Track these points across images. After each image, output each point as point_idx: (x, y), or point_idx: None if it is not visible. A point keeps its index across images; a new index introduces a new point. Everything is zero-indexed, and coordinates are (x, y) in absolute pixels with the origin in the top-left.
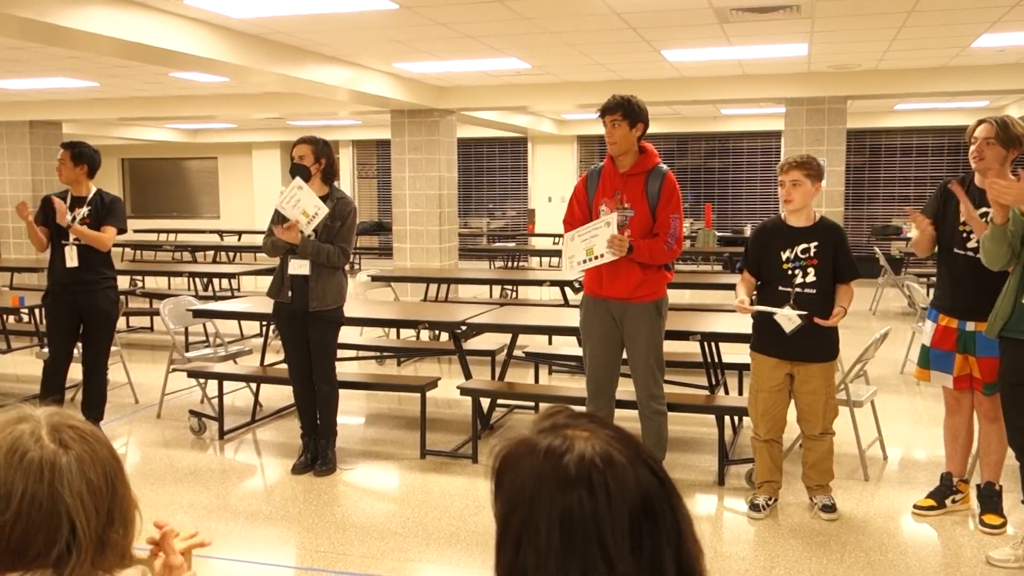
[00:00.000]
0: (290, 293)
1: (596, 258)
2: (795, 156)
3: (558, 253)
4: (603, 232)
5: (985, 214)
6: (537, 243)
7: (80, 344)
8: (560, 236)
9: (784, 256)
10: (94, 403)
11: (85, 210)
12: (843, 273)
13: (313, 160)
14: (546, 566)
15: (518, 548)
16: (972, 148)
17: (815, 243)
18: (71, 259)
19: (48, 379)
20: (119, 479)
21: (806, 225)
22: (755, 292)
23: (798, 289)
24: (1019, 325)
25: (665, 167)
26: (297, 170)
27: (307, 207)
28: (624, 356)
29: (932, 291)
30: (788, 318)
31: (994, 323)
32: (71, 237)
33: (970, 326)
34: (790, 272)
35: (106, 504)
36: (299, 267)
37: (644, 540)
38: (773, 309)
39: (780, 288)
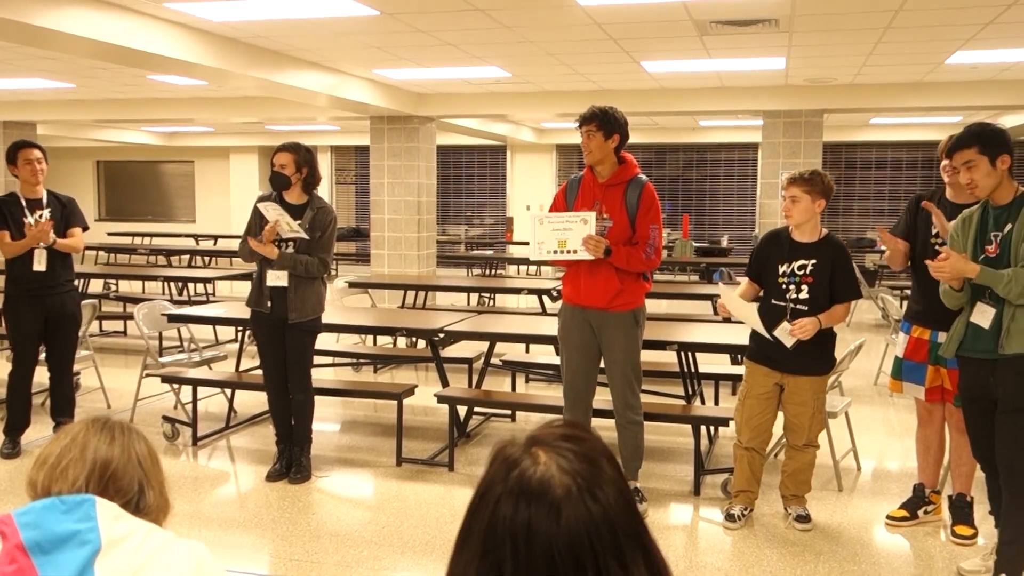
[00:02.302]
0: (269, 303)
1: (569, 252)
2: (798, 171)
3: (537, 261)
4: (578, 228)
5: None
6: (515, 251)
7: (44, 348)
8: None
9: (781, 270)
10: (64, 408)
11: (46, 212)
12: (838, 292)
13: (295, 169)
14: (466, 574)
15: (460, 546)
16: (944, 163)
17: (813, 261)
18: (39, 262)
19: (16, 384)
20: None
21: (809, 241)
22: (759, 301)
23: (791, 305)
24: (972, 344)
25: (644, 178)
26: (276, 178)
27: (290, 221)
28: (601, 365)
29: (906, 303)
30: (789, 336)
31: (949, 344)
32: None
33: (942, 337)
34: (784, 287)
35: (158, 465)
36: (277, 279)
37: None
38: (765, 333)
39: (774, 302)
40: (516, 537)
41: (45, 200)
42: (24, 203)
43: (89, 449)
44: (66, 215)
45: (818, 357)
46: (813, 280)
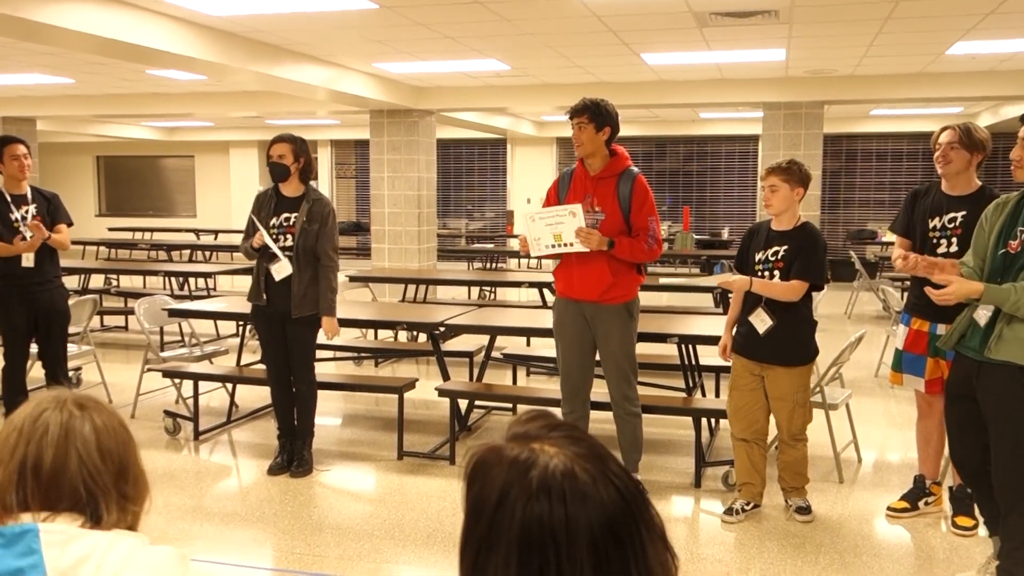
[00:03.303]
0: (265, 296)
1: (565, 245)
2: (776, 161)
3: (538, 257)
4: (568, 221)
5: (954, 219)
6: (516, 245)
7: (37, 345)
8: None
9: (757, 258)
10: None
11: (32, 208)
12: (797, 271)
13: (293, 159)
14: None
15: (476, 561)
16: (937, 153)
17: (785, 247)
18: (27, 259)
19: (10, 381)
20: (129, 446)
21: (786, 229)
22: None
23: None
24: (968, 340)
25: (636, 170)
26: (276, 169)
27: (271, 244)
28: (597, 358)
29: (906, 295)
30: (761, 320)
31: (951, 336)
32: (28, 236)
33: (941, 329)
34: (760, 273)
35: (116, 460)
36: (280, 271)
37: (611, 564)
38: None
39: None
40: (556, 533)
41: (30, 196)
42: (9, 199)
43: (19, 448)
44: (51, 211)
45: (792, 346)
46: (784, 265)
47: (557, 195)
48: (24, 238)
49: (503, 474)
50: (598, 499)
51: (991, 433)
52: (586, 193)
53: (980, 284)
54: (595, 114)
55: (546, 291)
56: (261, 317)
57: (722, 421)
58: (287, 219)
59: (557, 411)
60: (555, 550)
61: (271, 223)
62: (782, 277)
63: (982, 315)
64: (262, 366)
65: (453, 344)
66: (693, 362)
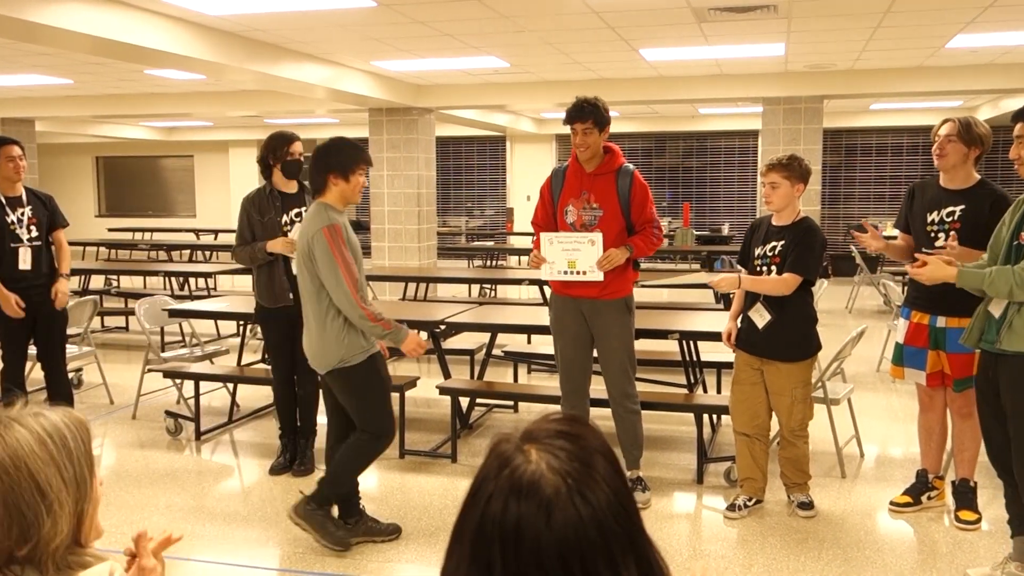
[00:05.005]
0: (291, 295)
1: (578, 273)
2: (776, 157)
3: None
4: (586, 249)
5: (952, 213)
6: (516, 242)
7: (36, 346)
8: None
9: (756, 252)
10: (63, 404)
11: (28, 210)
12: (790, 265)
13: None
14: (457, 574)
15: (448, 547)
16: (935, 147)
17: (782, 242)
18: (24, 261)
19: (9, 379)
20: (21, 489)
21: (785, 224)
22: None
23: None
24: (988, 335)
25: (631, 166)
26: (297, 166)
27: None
28: (595, 354)
29: (906, 288)
30: (760, 315)
31: (971, 333)
32: (25, 238)
33: (940, 321)
34: (758, 268)
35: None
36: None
37: None
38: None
39: None
40: (505, 537)
41: (25, 198)
42: (4, 202)
43: None
44: (49, 214)
45: (791, 341)
46: (780, 260)
47: (551, 192)
48: (21, 239)
49: (487, 465)
50: (556, 517)
51: (1010, 425)
52: (582, 190)
53: (955, 269)
54: (598, 119)
55: (546, 288)
56: (277, 318)
57: (724, 417)
58: (298, 214)
59: (558, 412)
60: (502, 552)
61: (283, 220)
62: (779, 272)
63: (997, 307)
64: (263, 366)
65: (454, 342)
66: (694, 358)
